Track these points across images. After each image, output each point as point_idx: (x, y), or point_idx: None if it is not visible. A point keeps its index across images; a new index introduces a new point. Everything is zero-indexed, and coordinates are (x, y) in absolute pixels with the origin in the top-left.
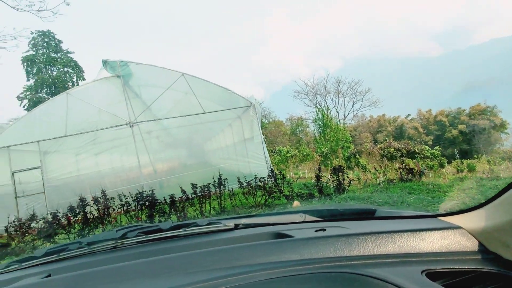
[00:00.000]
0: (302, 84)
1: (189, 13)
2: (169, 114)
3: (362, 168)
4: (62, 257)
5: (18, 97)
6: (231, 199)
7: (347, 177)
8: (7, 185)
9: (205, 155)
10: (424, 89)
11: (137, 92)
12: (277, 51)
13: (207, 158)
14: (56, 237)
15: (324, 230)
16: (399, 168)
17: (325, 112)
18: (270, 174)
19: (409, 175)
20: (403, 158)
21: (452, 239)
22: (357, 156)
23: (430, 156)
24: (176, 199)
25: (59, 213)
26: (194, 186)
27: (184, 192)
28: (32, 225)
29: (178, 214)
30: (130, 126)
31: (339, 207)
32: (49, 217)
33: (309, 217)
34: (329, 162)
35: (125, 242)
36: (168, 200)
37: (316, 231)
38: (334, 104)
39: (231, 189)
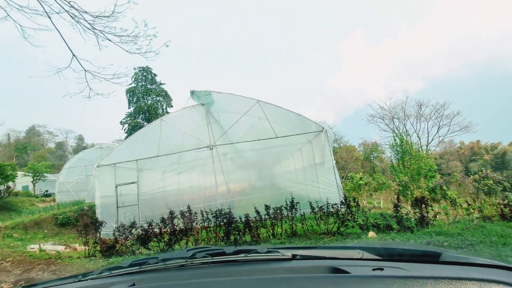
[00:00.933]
0: (377, 107)
1: (263, 41)
2: (243, 138)
3: (450, 201)
4: (143, 269)
5: (121, 122)
6: (302, 224)
7: (432, 209)
8: (111, 196)
9: (274, 178)
10: None
11: (216, 118)
12: (351, 74)
13: (277, 181)
14: (150, 244)
15: (381, 269)
16: (499, 203)
17: (404, 137)
18: (343, 201)
19: None
20: (506, 192)
21: None
22: (444, 188)
23: None
24: (250, 219)
25: (153, 223)
26: (267, 207)
27: (258, 212)
28: (132, 231)
29: (252, 233)
30: (210, 149)
31: (399, 246)
32: (145, 226)
33: (367, 254)
34: (408, 193)
35: (194, 262)
36: (243, 219)
37: (373, 269)
38: (414, 128)
39: (302, 213)
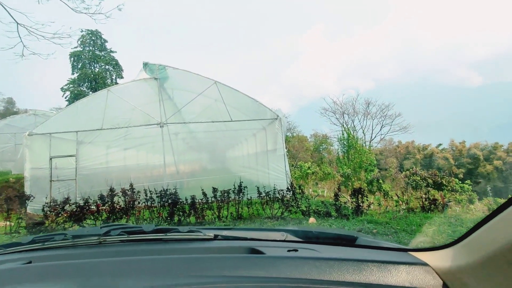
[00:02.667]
0: (330, 101)
1: (226, 23)
2: (197, 119)
3: (384, 194)
4: (45, 246)
5: (62, 89)
6: (248, 208)
7: (367, 200)
8: (44, 168)
9: (226, 161)
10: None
11: (170, 95)
12: (308, 67)
13: (228, 165)
14: (85, 221)
15: (296, 250)
16: (421, 197)
17: (351, 132)
18: (289, 187)
19: (431, 206)
20: (429, 188)
21: (416, 276)
22: (380, 181)
23: (460, 190)
24: (197, 201)
25: (90, 199)
26: (214, 190)
27: (205, 195)
28: (65, 207)
29: (197, 215)
30: (160, 126)
31: (316, 229)
32: (81, 203)
33: (290, 237)
34: (350, 184)
35: (108, 239)
36: (189, 201)
37: (288, 250)
38: (361, 125)
39: (249, 198)
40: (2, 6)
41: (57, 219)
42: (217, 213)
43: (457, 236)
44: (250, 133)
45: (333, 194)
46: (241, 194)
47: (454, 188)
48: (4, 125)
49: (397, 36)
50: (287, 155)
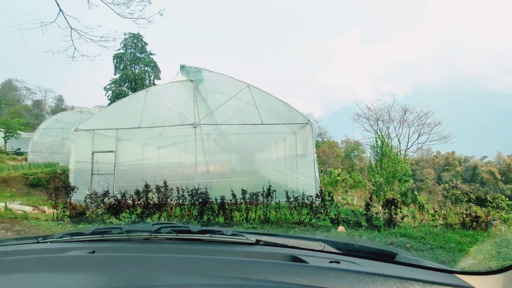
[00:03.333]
0: (364, 107)
1: (259, 26)
2: (229, 121)
3: (419, 206)
4: (104, 238)
5: (105, 88)
6: (276, 212)
7: (401, 212)
8: (87, 162)
9: (255, 164)
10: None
11: (204, 96)
12: (342, 71)
13: (257, 167)
14: (121, 214)
15: (338, 262)
16: (461, 213)
17: (385, 139)
18: (319, 194)
19: (473, 223)
20: (471, 204)
21: None
22: (415, 193)
23: (506, 208)
24: (226, 201)
25: (127, 194)
26: (244, 192)
27: (234, 196)
28: (105, 200)
29: (226, 216)
30: (194, 127)
31: (357, 242)
32: (119, 196)
33: (328, 247)
34: (382, 193)
35: (158, 236)
36: (218, 201)
37: (330, 262)
38: (396, 132)
39: (277, 202)
40: (63, 14)
41: (96, 210)
42: (245, 215)
43: (502, 258)
44: (280, 136)
45: (363, 203)
46: (269, 197)
47: (500, 205)
48: (54, 121)
49: (439, 40)
50: (316, 160)
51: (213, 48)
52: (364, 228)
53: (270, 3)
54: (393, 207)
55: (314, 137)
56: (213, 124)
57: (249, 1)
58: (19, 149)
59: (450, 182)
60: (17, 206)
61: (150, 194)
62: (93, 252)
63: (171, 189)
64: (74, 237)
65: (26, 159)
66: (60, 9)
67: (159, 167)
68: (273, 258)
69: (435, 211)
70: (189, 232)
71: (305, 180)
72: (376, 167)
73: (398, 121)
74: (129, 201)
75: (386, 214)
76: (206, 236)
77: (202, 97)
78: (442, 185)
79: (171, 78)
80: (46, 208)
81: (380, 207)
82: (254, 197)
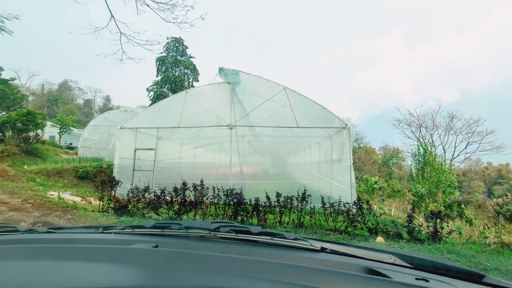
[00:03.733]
0: (405, 112)
1: (296, 28)
2: (264, 123)
3: (466, 221)
4: (165, 233)
5: (147, 89)
6: (310, 217)
7: (447, 226)
8: (129, 158)
9: (288, 167)
10: None
11: (240, 98)
12: (382, 74)
13: (290, 170)
14: (160, 210)
15: (427, 281)
16: None
17: (429, 147)
18: (356, 201)
19: None
20: None
21: None
22: (462, 206)
23: None
24: (260, 203)
25: (166, 190)
26: (278, 195)
27: (268, 198)
28: (146, 195)
29: (259, 217)
30: (230, 128)
31: (442, 260)
32: (158, 192)
33: (400, 261)
34: (423, 205)
35: (217, 235)
36: (253, 202)
37: (416, 279)
38: (441, 140)
39: (312, 207)
40: (114, 20)
41: (138, 204)
42: (278, 218)
43: None
44: (315, 140)
45: (401, 214)
46: (304, 202)
47: None
48: (102, 119)
49: (492, 41)
50: (352, 166)
51: (250, 50)
52: (405, 241)
53: (308, 5)
54: (438, 220)
55: (351, 142)
56: (248, 126)
57: (286, 4)
58: (71, 143)
59: (504, 197)
60: (68, 196)
61: (187, 192)
62: (156, 246)
63: (207, 188)
64: (136, 230)
65: (76, 153)
66: (112, 15)
67: (195, 166)
68: (344, 268)
69: (488, 228)
70: (249, 233)
71: (340, 186)
72: (418, 176)
73: (444, 128)
74: (167, 198)
75: (430, 227)
76: (267, 239)
77: (238, 99)
78: (494, 199)
79: (209, 80)
80: (92, 199)
81: (422, 219)
82: (288, 200)
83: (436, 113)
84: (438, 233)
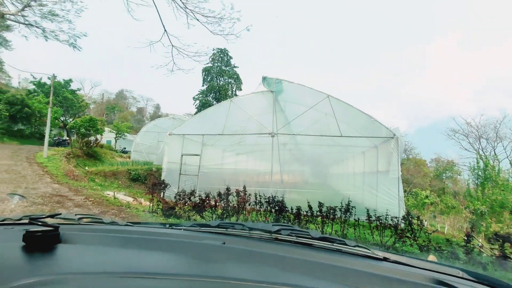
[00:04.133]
0: (462, 122)
1: (340, 36)
2: (306, 131)
3: None
4: (230, 232)
5: (193, 98)
6: (354, 229)
7: None
8: (177, 163)
9: (329, 177)
10: None
11: (282, 107)
12: (435, 81)
13: (331, 181)
14: (204, 213)
15: None
16: None
17: (491, 161)
18: (406, 216)
19: None
20: None
21: None
22: None
23: None
24: (302, 212)
25: (210, 195)
26: (320, 204)
27: (310, 207)
28: (192, 198)
29: (301, 226)
30: (271, 136)
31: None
32: (203, 196)
33: (469, 277)
34: (483, 225)
35: (279, 237)
36: (294, 211)
37: None
38: (507, 154)
39: (357, 219)
40: (167, 34)
41: (184, 207)
42: (320, 228)
43: None
44: (359, 150)
45: (456, 233)
46: (348, 213)
47: None
48: (152, 125)
49: None
50: (401, 179)
51: (294, 60)
52: (462, 262)
53: (354, 13)
54: (506, 243)
55: (399, 153)
56: (290, 134)
57: (331, 12)
58: (125, 148)
59: None
60: (121, 196)
61: (230, 197)
62: (224, 243)
63: (249, 194)
64: (202, 228)
65: (129, 157)
66: (165, 30)
67: (236, 173)
68: (411, 278)
69: None
70: (310, 237)
71: (386, 199)
72: (477, 192)
73: (511, 140)
74: (211, 202)
75: (495, 250)
76: (328, 244)
77: (280, 107)
78: None
79: (251, 89)
80: (142, 200)
81: (482, 240)
82: (331, 211)
83: (501, 123)
84: (507, 258)
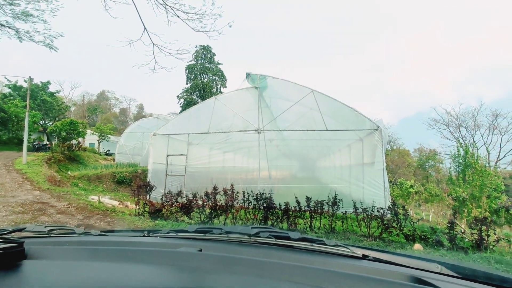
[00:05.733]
0: (442, 112)
1: (324, 28)
2: (292, 127)
3: None
4: (207, 237)
5: (177, 96)
6: (342, 222)
7: (494, 233)
8: (162, 164)
9: (317, 171)
10: None
11: (268, 103)
12: (418, 72)
13: (319, 174)
14: (192, 214)
15: None
16: None
17: (470, 148)
18: (391, 206)
19: None
20: None
21: None
22: (511, 212)
23: None
24: (290, 207)
25: (197, 195)
26: (308, 199)
27: (298, 202)
28: (178, 199)
29: (289, 222)
30: (257, 133)
31: (495, 271)
32: (190, 196)
33: (447, 271)
34: (465, 210)
35: (257, 240)
36: (282, 207)
37: None
38: (484, 141)
39: (344, 212)
40: (147, 32)
41: (171, 208)
42: (309, 222)
43: None
44: (345, 143)
45: (440, 220)
46: (335, 206)
47: None
48: (136, 126)
49: None
50: (386, 169)
51: (277, 54)
52: (446, 249)
53: (336, 3)
54: (483, 227)
55: (383, 145)
56: (276, 130)
57: (313, 4)
58: (109, 150)
59: None
60: (107, 200)
61: (217, 196)
62: (201, 250)
63: (237, 192)
64: (179, 234)
65: (114, 159)
66: (145, 28)
67: (224, 171)
68: (389, 276)
69: None
70: (288, 238)
71: (372, 190)
72: (458, 179)
73: (487, 127)
74: (199, 202)
75: (475, 235)
76: (307, 245)
77: (266, 103)
78: None
79: (236, 85)
80: (128, 203)
81: (464, 225)
82: (319, 205)
83: (478, 112)
84: (484, 241)
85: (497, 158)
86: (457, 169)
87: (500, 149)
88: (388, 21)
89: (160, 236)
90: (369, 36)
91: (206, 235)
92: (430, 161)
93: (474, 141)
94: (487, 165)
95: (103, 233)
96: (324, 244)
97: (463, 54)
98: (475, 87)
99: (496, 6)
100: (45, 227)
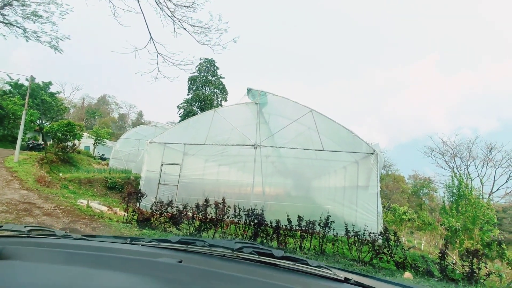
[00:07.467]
0: (438, 141)
1: (326, 52)
2: (289, 144)
3: (508, 263)
4: (190, 249)
5: (178, 106)
6: (333, 244)
7: (485, 266)
8: (156, 172)
9: (311, 190)
10: None
11: (266, 119)
12: (415, 100)
13: (313, 194)
14: (181, 225)
15: None
16: None
17: (464, 179)
18: (383, 232)
19: None
20: None
21: None
22: (503, 246)
23: None
24: (281, 226)
25: (188, 206)
26: (300, 218)
27: (289, 221)
28: (168, 209)
29: (279, 241)
30: (254, 148)
31: None
32: (181, 207)
33: None
34: (457, 241)
35: (240, 255)
36: (273, 224)
37: None
38: (478, 173)
39: (335, 234)
40: (153, 41)
41: (160, 218)
42: (299, 242)
43: None
44: (340, 165)
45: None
46: (327, 228)
47: None
48: (133, 132)
49: None
50: (380, 194)
51: (279, 73)
52: (436, 279)
53: (340, 30)
54: (475, 259)
55: (378, 169)
56: (273, 147)
57: (317, 29)
58: (104, 154)
59: None
60: (96, 205)
61: (208, 209)
62: (181, 261)
63: (228, 207)
64: (162, 244)
65: (107, 164)
66: (151, 37)
67: (218, 184)
68: None
69: None
70: (271, 256)
71: (365, 214)
72: (451, 209)
73: (482, 159)
74: (189, 213)
75: (466, 267)
76: (290, 264)
77: (264, 119)
78: None
79: (236, 100)
80: (118, 209)
81: (456, 257)
82: (310, 225)
83: (473, 143)
84: (475, 274)
85: (491, 190)
86: (451, 199)
87: (494, 182)
88: (388, 49)
89: (142, 245)
90: (369, 62)
91: (189, 246)
92: (424, 188)
93: (468, 172)
94: (481, 197)
95: (84, 237)
96: (307, 264)
97: (458, 85)
98: (471, 118)
99: (487, 43)
100: (25, 227)
